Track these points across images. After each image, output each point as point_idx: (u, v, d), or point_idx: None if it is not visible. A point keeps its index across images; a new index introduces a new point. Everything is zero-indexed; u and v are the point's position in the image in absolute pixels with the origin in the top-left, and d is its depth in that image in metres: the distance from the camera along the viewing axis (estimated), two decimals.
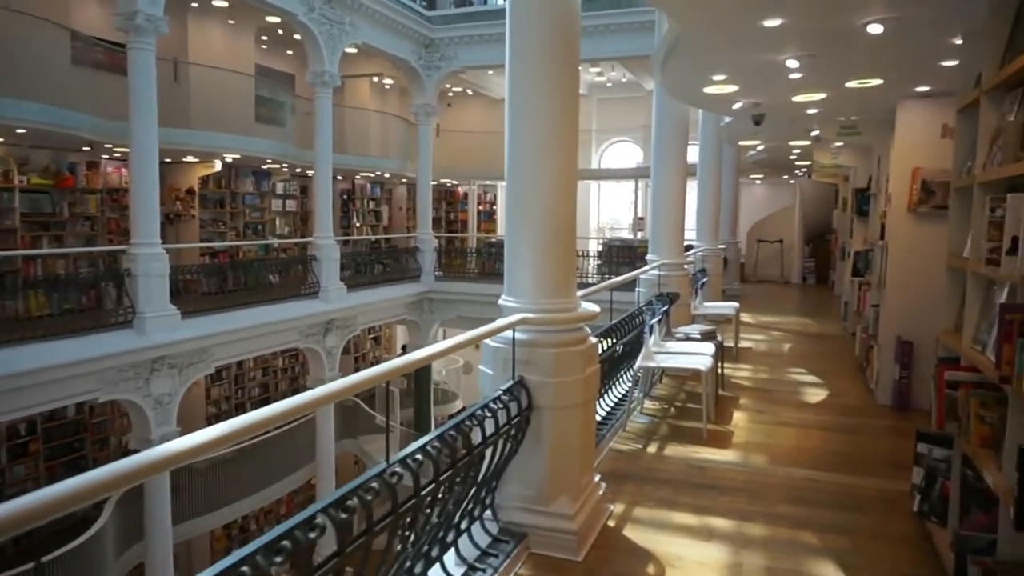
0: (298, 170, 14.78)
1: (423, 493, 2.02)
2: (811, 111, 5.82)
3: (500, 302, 3.07)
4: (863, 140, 6.20)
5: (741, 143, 8.36)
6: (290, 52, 15.31)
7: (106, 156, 11.16)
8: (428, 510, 2.13)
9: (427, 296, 15.57)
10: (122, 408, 9.95)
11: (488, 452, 2.62)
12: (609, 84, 19.50)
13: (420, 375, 15.96)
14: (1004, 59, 2.80)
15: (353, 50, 14.05)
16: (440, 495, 2.17)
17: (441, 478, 2.13)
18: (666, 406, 5.28)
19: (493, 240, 17.84)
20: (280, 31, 13.99)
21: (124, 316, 8.19)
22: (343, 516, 1.68)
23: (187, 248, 11.84)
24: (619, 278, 5.41)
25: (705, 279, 8.11)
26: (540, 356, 2.91)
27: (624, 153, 20.54)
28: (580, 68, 14.65)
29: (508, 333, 2.89)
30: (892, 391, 5.30)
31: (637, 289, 6.48)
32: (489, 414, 2.59)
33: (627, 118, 19.48)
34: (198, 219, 12.73)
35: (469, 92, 20.09)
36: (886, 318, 5.35)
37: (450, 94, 20.38)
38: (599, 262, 15.67)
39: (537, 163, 2.99)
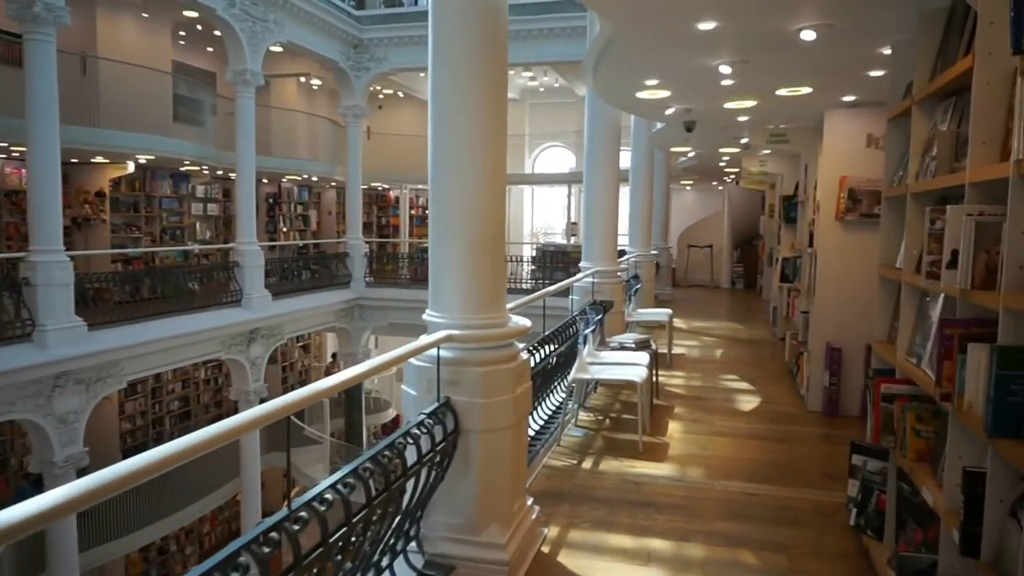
0: (220, 172, 14.16)
1: (332, 540, 1.79)
2: (742, 118, 5.83)
3: (424, 317, 2.86)
4: (791, 148, 6.27)
5: (672, 149, 8.38)
6: (211, 49, 14.67)
7: (3, 156, 10.38)
8: (340, 556, 1.90)
9: (357, 303, 15.15)
10: (22, 428, 9.24)
11: (411, 483, 2.40)
12: (542, 89, 19.51)
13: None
14: (935, 68, 2.77)
15: (278, 49, 13.58)
16: (354, 539, 1.94)
17: (354, 520, 1.91)
18: (601, 417, 5.16)
19: (426, 245, 17.54)
20: (199, 27, 13.37)
21: (22, 329, 7.57)
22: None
23: (97, 255, 11.14)
24: (551, 287, 5.27)
25: (639, 285, 8.08)
26: (467, 375, 2.71)
27: (557, 158, 20.59)
28: (513, 72, 14.56)
29: (433, 351, 2.69)
30: (822, 397, 5.33)
31: (571, 297, 6.36)
32: (411, 441, 2.37)
33: (560, 123, 19.53)
34: (109, 224, 12.00)
35: (400, 95, 19.75)
36: (816, 325, 5.38)
37: (380, 96, 20.00)
38: (533, 267, 15.59)
39: (462, 167, 2.80)
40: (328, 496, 1.85)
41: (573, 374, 4.54)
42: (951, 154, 2.56)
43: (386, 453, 2.20)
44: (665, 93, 4.71)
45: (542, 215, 21.38)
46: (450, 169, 2.81)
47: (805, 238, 6.11)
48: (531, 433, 4.22)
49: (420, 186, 20.35)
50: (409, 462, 2.36)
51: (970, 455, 2.14)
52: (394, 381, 19.51)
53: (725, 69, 4.07)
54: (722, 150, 8.28)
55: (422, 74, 17.59)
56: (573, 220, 18.21)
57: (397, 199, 20.88)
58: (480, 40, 2.75)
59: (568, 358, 4.71)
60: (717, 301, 13.83)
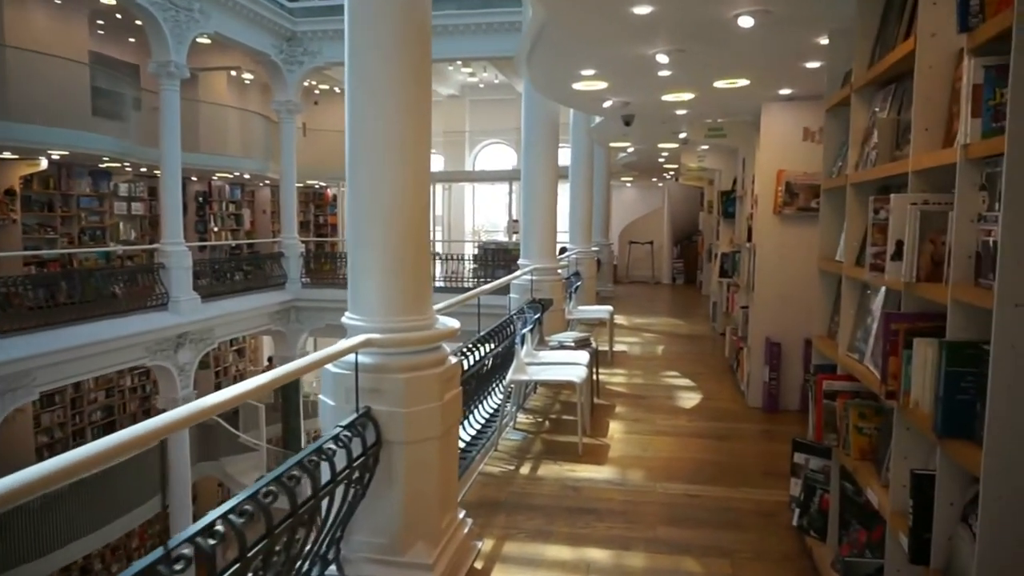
0: (144, 170, 13.49)
1: None
2: (680, 112, 5.76)
3: (343, 320, 2.64)
4: (729, 142, 6.25)
5: (612, 144, 8.31)
6: (133, 40, 13.95)
7: None
8: None
9: (293, 304, 14.70)
10: None
11: (325, 503, 2.18)
12: (482, 85, 19.32)
13: (287, 389, 15.03)
14: (874, 55, 2.68)
15: (206, 41, 13.02)
16: (250, 575, 1.71)
17: (250, 554, 1.68)
18: (540, 419, 5.01)
19: None
20: (119, 15, 12.69)
21: None
22: None
23: (7, 257, 10.43)
24: (486, 286, 5.08)
25: (579, 283, 7.97)
26: (389, 383, 2.50)
27: (499, 155, 20.43)
28: (452, 68, 14.27)
29: (351, 357, 2.46)
30: (762, 393, 5.29)
31: (509, 295, 6.19)
32: (325, 458, 2.15)
33: (501, 120, 19.37)
34: (20, 224, 11.26)
35: (336, 90, 19.26)
36: (755, 320, 5.34)
37: (316, 91, 19.47)
38: (475, 265, 15.41)
39: (378, 158, 2.59)
40: (219, 528, 1.62)
41: (510, 375, 4.36)
42: (892, 142, 2.47)
43: (293, 473, 1.97)
44: (602, 84, 4.58)
45: (484, 213, 21.20)
46: (366, 161, 2.61)
47: (744, 233, 6.09)
48: (466, 439, 4.03)
49: None
50: (324, 480, 2.14)
51: (917, 456, 2.05)
52: None
53: (662, 58, 3.96)
54: (661, 145, 8.24)
55: None
56: (515, 218, 18.07)
57: (335, 197, 20.38)
58: (399, 19, 2.54)
59: (505, 359, 4.53)
60: (658, 297, 13.89)
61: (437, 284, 14.47)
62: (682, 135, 7.15)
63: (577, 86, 4.57)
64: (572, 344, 5.16)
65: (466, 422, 4.31)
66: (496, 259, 15.52)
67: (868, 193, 2.55)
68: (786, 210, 5.16)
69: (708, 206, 12.94)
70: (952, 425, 1.72)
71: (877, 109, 2.65)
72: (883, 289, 2.44)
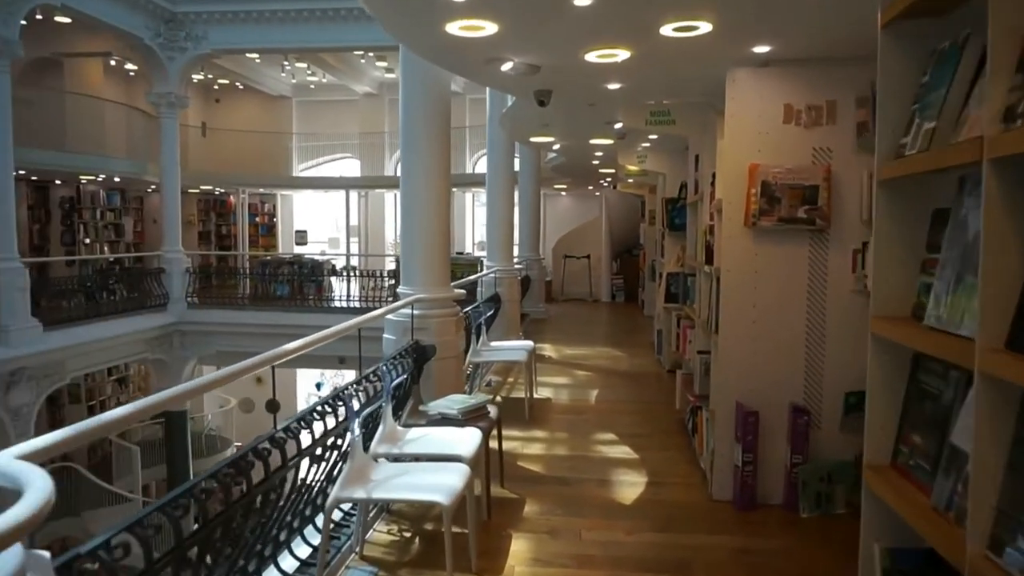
0: None
1: None
2: (612, 85, 4.18)
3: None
4: (678, 130, 4.72)
5: (533, 140, 6.73)
6: None
7: None
8: None
9: (177, 328, 12.65)
10: None
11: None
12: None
13: (173, 424, 12.90)
14: None
15: (65, 20, 10.96)
16: None
17: None
18: (408, 533, 3.31)
19: (269, 258, 15.11)
20: None
21: None
22: None
23: None
24: (339, 326, 3.35)
25: (492, 311, 6.32)
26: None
27: None
28: (364, 61, 12.33)
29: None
30: (733, 482, 3.72)
31: (384, 336, 4.50)
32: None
33: None
34: None
35: (239, 86, 17.26)
36: (721, 376, 3.77)
37: (216, 87, 17.43)
38: (391, 282, 13.67)
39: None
40: None
41: (336, 492, 2.65)
42: None
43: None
44: (489, 26, 2.95)
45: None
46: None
47: (700, 251, 4.54)
48: None
49: (262, 190, 17.87)
50: None
51: None
52: (237, 413, 16.93)
53: None
54: (593, 141, 6.70)
55: (257, 59, 15.23)
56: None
57: (243, 205, 18.26)
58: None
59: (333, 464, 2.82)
60: (596, 319, 12.37)
61: (339, 304, 12.67)
62: (618, 125, 5.60)
63: (452, 28, 2.92)
64: (458, 414, 3.48)
65: (289, 549, 2.62)
66: None
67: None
68: (763, 221, 3.62)
69: (650, 217, 11.52)
70: None
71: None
72: None
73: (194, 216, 17.26)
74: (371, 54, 14.50)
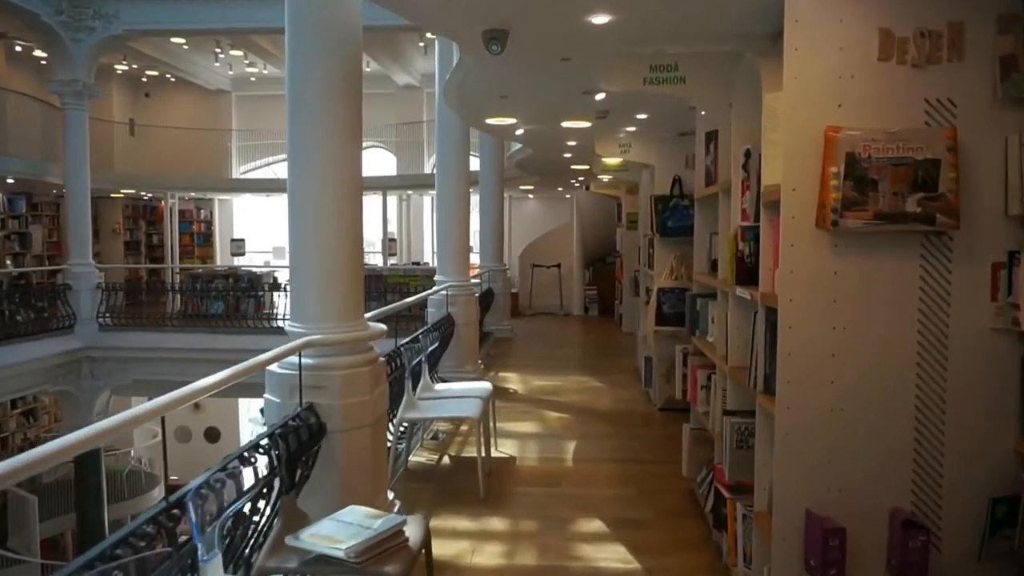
0: None
1: None
2: (597, 19, 2.76)
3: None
4: (686, 93, 3.33)
5: (491, 122, 5.26)
6: None
7: None
8: None
9: (86, 355, 10.93)
10: None
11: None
12: None
13: (85, 467, 11.15)
14: None
15: None
16: None
17: None
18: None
19: (200, 271, 13.40)
20: None
21: None
22: None
23: None
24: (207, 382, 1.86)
25: (437, 343, 4.85)
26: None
27: (373, 159, 17.11)
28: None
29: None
30: None
31: (265, 397, 3.01)
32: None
33: (375, 118, 16.07)
34: None
35: (171, 78, 15.57)
36: (783, 468, 2.36)
37: (144, 79, 15.71)
38: None
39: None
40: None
41: None
42: None
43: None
44: None
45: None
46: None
47: (728, 266, 3.13)
48: None
49: (193, 194, 16.15)
50: None
51: None
52: (173, 444, 15.19)
53: None
54: (567, 124, 5.30)
55: (185, 45, 13.57)
56: (391, 235, 14.79)
57: (180, 212, 16.46)
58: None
59: None
60: (568, 337, 10.95)
61: (283, 324, 11.07)
62: (600, 96, 4.19)
63: None
64: (349, 557, 2.00)
65: None
66: (369, 288, 12.42)
67: None
68: (849, 218, 2.22)
69: (628, 221, 10.17)
70: None
71: None
72: None
73: (119, 224, 15.49)
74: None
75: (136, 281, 14.92)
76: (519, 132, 5.91)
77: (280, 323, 11.54)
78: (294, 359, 2.82)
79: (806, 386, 2.30)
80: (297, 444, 2.45)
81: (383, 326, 3.20)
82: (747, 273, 2.88)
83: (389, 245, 14.42)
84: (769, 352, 2.50)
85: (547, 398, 6.37)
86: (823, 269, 2.28)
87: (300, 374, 2.80)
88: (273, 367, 2.98)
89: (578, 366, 8.15)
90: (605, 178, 9.70)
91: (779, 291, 2.35)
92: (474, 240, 12.44)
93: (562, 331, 11.49)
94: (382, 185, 14.17)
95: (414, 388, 4.26)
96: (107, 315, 11.26)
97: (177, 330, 11.35)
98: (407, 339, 4.49)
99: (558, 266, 13.55)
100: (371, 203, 16.99)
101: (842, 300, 2.28)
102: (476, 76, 3.91)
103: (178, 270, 14.17)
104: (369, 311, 6.05)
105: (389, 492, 3.40)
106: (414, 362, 4.24)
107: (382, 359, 3.23)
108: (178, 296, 12.71)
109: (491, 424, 4.71)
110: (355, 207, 3.15)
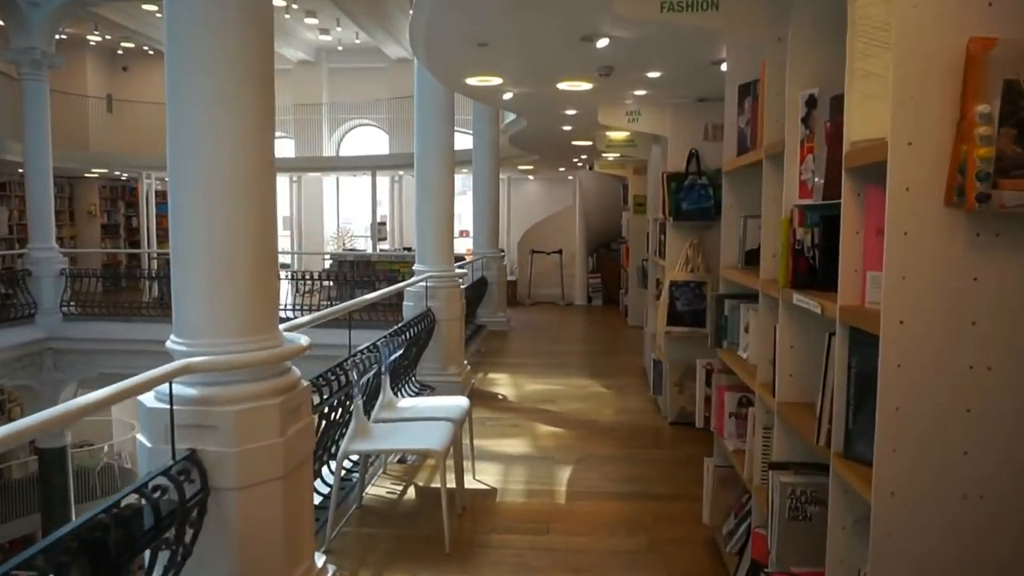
0: None
1: None
2: None
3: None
4: (718, 25, 2.44)
5: (471, 82, 4.34)
6: None
7: None
8: None
9: (48, 346, 10.15)
10: None
11: None
12: (340, 48, 15.05)
13: (49, 464, 10.41)
14: None
15: None
16: None
17: None
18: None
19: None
20: None
21: None
22: None
23: None
24: None
25: (396, 354, 3.99)
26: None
27: (365, 138, 16.20)
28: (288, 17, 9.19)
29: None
30: None
31: (137, 439, 2.16)
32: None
33: (366, 93, 15.15)
34: None
35: (149, 51, 14.67)
36: (884, 545, 1.49)
37: (120, 52, 14.81)
38: (330, 283, 11.38)
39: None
40: None
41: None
42: None
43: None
44: None
45: (345, 211, 16.70)
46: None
47: (779, 263, 2.26)
48: None
49: None
50: None
51: None
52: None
53: None
54: (563, 86, 4.41)
55: (159, 13, 12.64)
56: (380, 219, 13.89)
57: (157, 193, 15.64)
58: None
59: None
60: (568, 332, 10.08)
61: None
62: (602, 42, 3.28)
63: None
64: None
65: None
66: (355, 275, 11.68)
67: None
68: (1006, 191, 1.34)
69: (635, 203, 9.30)
70: None
71: None
72: None
73: (96, 206, 14.67)
74: (297, 7, 12.01)
75: (115, 266, 14.12)
76: (507, 96, 5.00)
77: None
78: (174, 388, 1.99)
79: (925, 460, 1.45)
80: (160, 515, 1.63)
81: (304, 339, 2.33)
82: (808, 273, 2.02)
83: (379, 229, 13.52)
84: (856, 397, 1.64)
85: (541, 407, 5.53)
86: (957, 273, 1.42)
87: (171, 411, 1.98)
88: (147, 398, 2.18)
89: (579, 366, 7.29)
90: (610, 156, 8.79)
91: (882, 307, 1.48)
92: (468, 224, 11.62)
93: (563, 323, 10.62)
94: (371, 164, 13.27)
95: (370, 408, 3.42)
96: (71, 303, 10.45)
97: (148, 320, 10.52)
98: (363, 346, 3.65)
99: (559, 252, 12.67)
100: (360, 184, 16.12)
101: (987, 324, 1.42)
102: (444, 11, 3.03)
103: (155, 255, 13.33)
104: (353, 299, 5.22)
105: (319, 556, 2.56)
106: (368, 375, 3.38)
107: (305, 383, 2.37)
108: (155, 283, 11.92)
109: (470, 443, 3.88)
110: (262, 180, 2.29)
